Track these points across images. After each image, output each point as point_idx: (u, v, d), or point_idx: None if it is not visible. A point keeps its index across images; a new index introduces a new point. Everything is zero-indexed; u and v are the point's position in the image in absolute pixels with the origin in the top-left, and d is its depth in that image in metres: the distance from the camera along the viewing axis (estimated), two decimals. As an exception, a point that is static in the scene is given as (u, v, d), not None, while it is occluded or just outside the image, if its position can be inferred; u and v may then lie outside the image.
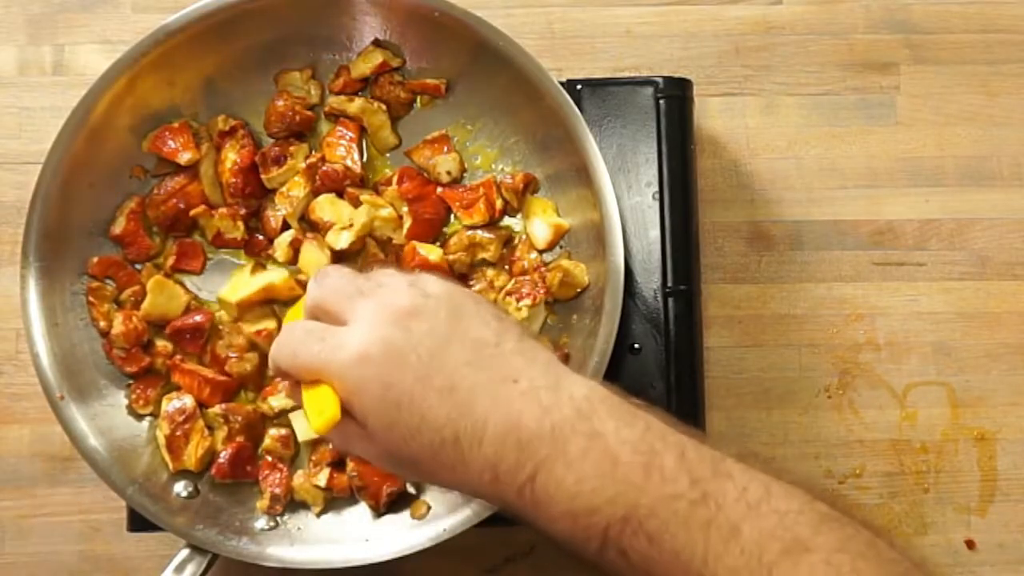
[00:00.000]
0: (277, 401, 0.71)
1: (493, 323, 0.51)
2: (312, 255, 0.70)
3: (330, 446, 0.69)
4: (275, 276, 0.71)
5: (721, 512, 0.45)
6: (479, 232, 0.71)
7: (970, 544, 0.76)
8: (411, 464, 0.50)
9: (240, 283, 0.71)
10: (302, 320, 0.54)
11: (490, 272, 0.72)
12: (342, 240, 0.70)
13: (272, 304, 0.71)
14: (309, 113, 0.73)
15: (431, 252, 0.70)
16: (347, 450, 0.53)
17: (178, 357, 0.71)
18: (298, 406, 0.68)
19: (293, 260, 0.72)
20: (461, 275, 0.72)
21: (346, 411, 0.50)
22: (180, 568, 0.66)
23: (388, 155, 0.74)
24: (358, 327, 0.50)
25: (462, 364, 0.49)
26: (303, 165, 0.72)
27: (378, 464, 0.54)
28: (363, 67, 0.72)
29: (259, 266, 0.72)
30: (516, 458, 0.47)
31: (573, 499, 0.46)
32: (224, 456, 0.69)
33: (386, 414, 0.49)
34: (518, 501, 0.48)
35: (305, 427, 0.70)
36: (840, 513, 0.47)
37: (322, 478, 0.69)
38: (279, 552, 0.67)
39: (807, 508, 0.46)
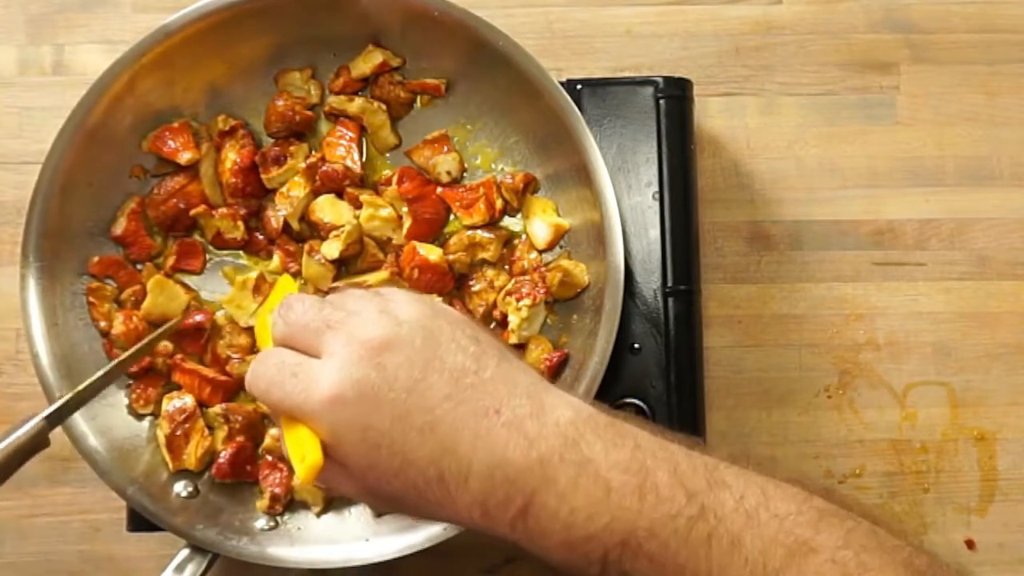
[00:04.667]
0: (277, 401, 0.71)
1: (471, 347, 0.49)
2: (313, 269, 0.70)
3: None
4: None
5: (721, 524, 0.45)
6: (479, 232, 0.71)
7: (970, 544, 0.76)
8: (396, 502, 0.49)
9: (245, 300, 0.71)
10: (275, 349, 0.51)
11: (490, 272, 0.72)
12: (332, 250, 0.70)
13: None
14: (309, 113, 0.73)
15: (431, 252, 0.70)
16: (331, 488, 0.52)
17: (179, 357, 0.71)
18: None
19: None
20: (461, 275, 0.72)
21: (327, 452, 0.48)
22: (180, 568, 0.66)
23: (388, 155, 0.74)
24: (330, 364, 0.48)
25: (441, 398, 0.47)
26: (303, 165, 0.72)
27: (363, 501, 0.53)
28: (363, 67, 0.72)
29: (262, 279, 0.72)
30: (505, 493, 0.46)
31: (568, 529, 0.46)
32: (224, 456, 0.69)
33: (366, 456, 0.47)
34: (511, 534, 0.47)
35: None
36: (837, 507, 0.47)
37: (322, 478, 0.69)
38: (279, 552, 0.67)
39: (805, 507, 0.46)
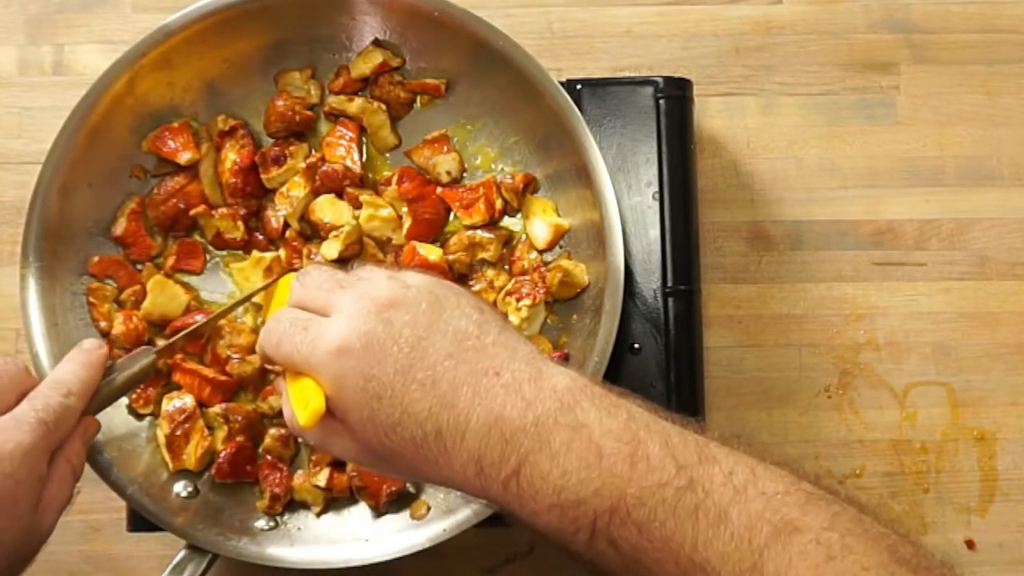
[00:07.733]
0: (277, 401, 0.71)
1: (474, 315, 0.51)
2: None
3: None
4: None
5: (709, 497, 0.45)
6: (479, 232, 0.71)
7: (970, 544, 0.76)
8: (392, 459, 0.50)
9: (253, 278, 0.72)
10: (289, 309, 0.54)
11: (490, 272, 0.72)
12: (331, 250, 0.70)
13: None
14: (309, 113, 0.73)
15: (431, 252, 0.70)
16: (326, 448, 0.53)
17: (179, 356, 0.71)
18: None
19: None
20: (461, 275, 0.72)
21: (328, 406, 0.50)
22: (180, 568, 0.66)
23: (388, 155, 0.74)
24: (338, 319, 0.50)
25: (444, 357, 0.48)
26: (303, 165, 0.72)
27: (357, 463, 0.54)
28: (363, 67, 0.72)
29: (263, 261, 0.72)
30: (500, 452, 0.47)
31: (559, 492, 0.46)
32: (224, 456, 0.69)
33: (367, 407, 0.48)
34: (503, 495, 0.48)
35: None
36: (825, 491, 0.47)
37: (322, 478, 0.69)
38: (279, 552, 0.67)
39: (793, 488, 0.46)
